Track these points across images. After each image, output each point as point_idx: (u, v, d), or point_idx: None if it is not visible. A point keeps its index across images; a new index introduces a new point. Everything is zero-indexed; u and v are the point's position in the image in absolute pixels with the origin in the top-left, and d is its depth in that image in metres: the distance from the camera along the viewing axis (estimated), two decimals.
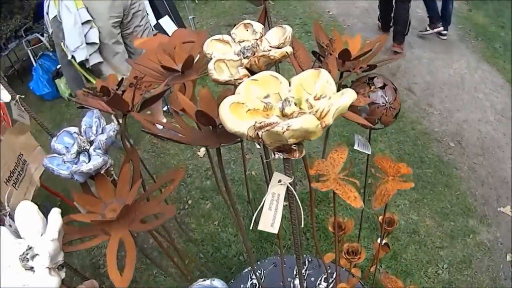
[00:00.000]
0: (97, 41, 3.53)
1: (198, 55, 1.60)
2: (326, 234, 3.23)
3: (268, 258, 2.78)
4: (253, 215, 3.31)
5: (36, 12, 8.06)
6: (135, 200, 1.35)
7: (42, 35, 7.43)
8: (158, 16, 5.45)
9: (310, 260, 2.60)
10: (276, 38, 1.22)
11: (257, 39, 1.22)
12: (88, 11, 3.44)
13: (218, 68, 1.16)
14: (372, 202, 1.61)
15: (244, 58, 1.17)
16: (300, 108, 0.95)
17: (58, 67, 6.18)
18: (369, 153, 1.68)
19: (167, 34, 5.19)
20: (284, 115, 0.95)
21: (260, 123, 0.86)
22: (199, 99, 1.38)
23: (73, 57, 3.56)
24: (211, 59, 1.18)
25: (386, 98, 1.60)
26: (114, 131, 1.48)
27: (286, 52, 1.13)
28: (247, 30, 1.28)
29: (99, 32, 3.53)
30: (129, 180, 1.41)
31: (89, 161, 1.42)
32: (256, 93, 1.00)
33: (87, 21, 3.44)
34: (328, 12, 7.17)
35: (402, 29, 5.64)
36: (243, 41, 1.25)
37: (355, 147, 1.61)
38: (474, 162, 4.03)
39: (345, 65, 1.65)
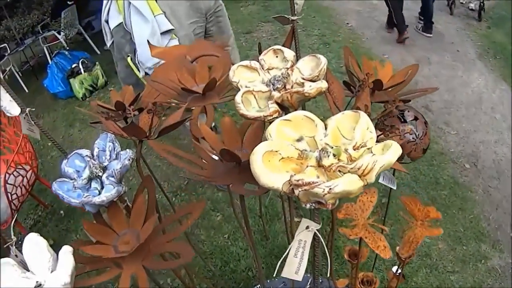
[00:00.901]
0: None
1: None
2: (337, 253, 3.17)
3: (278, 277, 2.72)
4: (264, 230, 3.29)
5: (54, 9, 8.08)
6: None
7: (59, 33, 7.43)
8: None
9: (321, 281, 2.55)
10: (308, 68, 1.15)
11: (287, 68, 1.15)
12: (166, 17, 2.87)
13: (246, 100, 1.09)
14: (400, 248, 1.55)
15: (274, 90, 1.11)
16: (338, 159, 0.89)
17: (73, 66, 6.18)
18: (395, 188, 1.61)
19: None
20: (320, 166, 0.89)
21: (298, 180, 0.80)
22: (222, 130, 1.31)
23: (146, 74, 3.02)
24: (238, 88, 1.12)
25: (417, 133, 1.52)
26: (129, 159, 1.40)
27: (322, 89, 1.06)
28: (276, 57, 1.21)
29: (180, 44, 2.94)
30: (144, 211, 1.34)
31: (101, 188, 1.35)
32: (288, 135, 0.95)
33: (168, 31, 2.87)
34: (347, 24, 7.12)
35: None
36: (272, 68, 1.18)
37: (380, 180, 1.53)
38: (489, 185, 3.95)
39: (375, 95, 1.58)
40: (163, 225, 1.40)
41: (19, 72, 7.65)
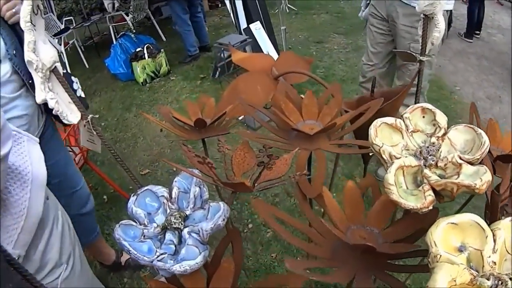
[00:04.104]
0: None
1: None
2: None
3: None
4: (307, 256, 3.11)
5: None
6: None
7: (127, 15, 7.37)
8: (249, 20, 5.28)
9: None
10: (461, 141, 0.96)
11: (438, 137, 0.97)
12: None
13: (396, 178, 0.90)
14: None
15: (426, 166, 0.92)
16: None
17: (137, 50, 6.11)
18: None
19: (255, 39, 5.05)
20: None
21: None
22: (345, 198, 1.11)
23: None
24: (379, 154, 0.94)
25: None
26: (224, 219, 1.13)
27: (490, 183, 0.85)
28: (423, 117, 1.03)
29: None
30: (230, 279, 1.13)
31: (178, 243, 1.11)
32: (451, 244, 0.79)
33: None
34: None
35: None
36: (417, 131, 1.01)
37: None
38: None
39: (496, 166, 1.35)
40: None
41: (82, 47, 7.66)
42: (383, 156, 0.94)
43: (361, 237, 1.01)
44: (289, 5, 7.93)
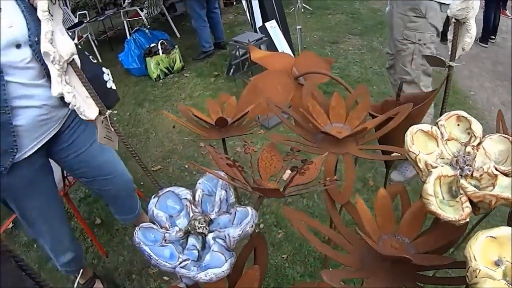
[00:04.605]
0: None
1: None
2: None
3: None
4: (325, 258, 3.08)
5: None
6: None
7: (142, 10, 7.37)
8: (265, 18, 5.26)
9: None
10: (495, 151, 0.94)
11: (474, 146, 0.94)
12: None
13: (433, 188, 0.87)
14: None
15: (462, 176, 0.90)
16: None
17: (151, 45, 6.10)
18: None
19: (270, 38, 5.02)
20: None
21: None
22: (376, 207, 1.06)
23: None
24: (415, 162, 0.91)
25: None
26: (252, 225, 1.07)
27: None
28: (458, 125, 1.00)
29: None
30: (257, 282, 1.07)
31: (202, 248, 1.06)
32: (489, 257, 0.77)
33: None
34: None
35: None
36: (452, 139, 0.98)
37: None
38: None
39: None
40: None
41: (95, 41, 7.67)
42: (419, 164, 0.92)
43: (392, 247, 0.99)
44: (304, 5, 7.91)
